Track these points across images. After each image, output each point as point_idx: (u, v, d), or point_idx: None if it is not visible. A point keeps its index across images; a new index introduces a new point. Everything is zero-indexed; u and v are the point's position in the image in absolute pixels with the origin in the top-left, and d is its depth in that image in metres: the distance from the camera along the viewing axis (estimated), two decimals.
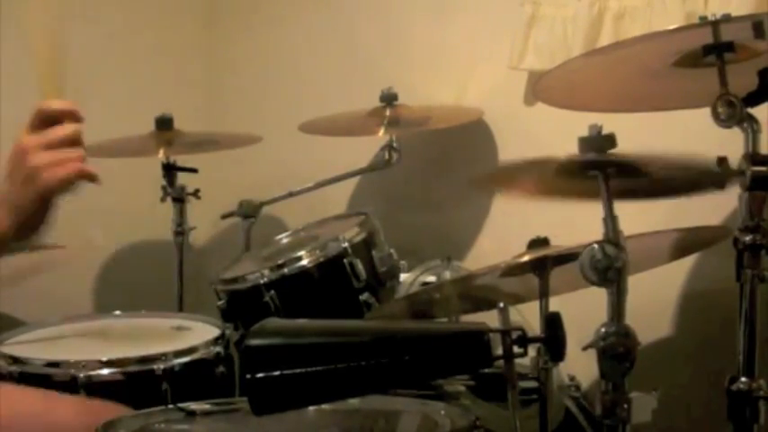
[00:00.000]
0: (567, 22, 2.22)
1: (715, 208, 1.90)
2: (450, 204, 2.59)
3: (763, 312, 1.46)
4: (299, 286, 2.11)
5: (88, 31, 2.96)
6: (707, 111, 1.43)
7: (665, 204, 2.04)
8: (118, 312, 2.32)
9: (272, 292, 2.09)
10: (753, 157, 1.42)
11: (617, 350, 1.29)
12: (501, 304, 1.19)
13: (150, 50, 3.11)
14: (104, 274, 3.08)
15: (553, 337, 1.19)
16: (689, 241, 1.77)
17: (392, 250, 2.17)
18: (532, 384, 1.59)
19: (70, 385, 1.83)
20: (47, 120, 1.41)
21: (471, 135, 2.50)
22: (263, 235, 2.48)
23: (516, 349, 1.17)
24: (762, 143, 1.45)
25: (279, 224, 2.77)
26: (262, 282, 2.10)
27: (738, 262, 1.45)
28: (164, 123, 2.61)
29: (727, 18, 1.42)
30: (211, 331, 2.09)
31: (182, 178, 2.65)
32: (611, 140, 1.39)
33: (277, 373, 1.14)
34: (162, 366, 1.89)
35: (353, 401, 1.40)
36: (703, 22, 1.45)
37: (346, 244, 2.09)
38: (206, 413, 1.45)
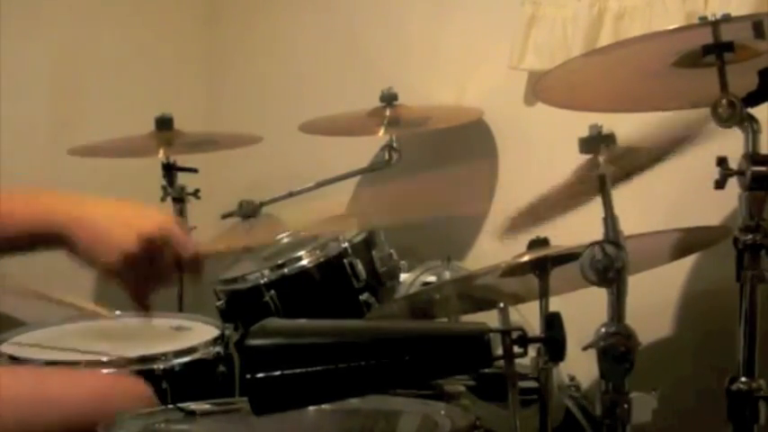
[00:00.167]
0: (567, 23, 2.22)
1: (715, 208, 1.90)
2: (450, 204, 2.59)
3: (763, 312, 1.46)
4: (299, 286, 2.11)
5: (88, 31, 2.97)
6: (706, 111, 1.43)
7: (665, 204, 2.04)
8: (118, 312, 2.31)
9: (272, 292, 2.09)
10: (753, 157, 1.43)
11: (617, 350, 1.28)
12: (501, 304, 1.18)
13: (150, 50, 3.11)
14: None
15: (553, 337, 1.19)
16: (689, 241, 1.77)
17: (392, 250, 2.18)
18: (532, 384, 1.59)
19: None
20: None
21: (471, 135, 2.50)
22: None
23: (516, 349, 1.17)
24: (762, 143, 1.45)
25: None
26: (262, 282, 2.10)
27: (738, 262, 1.45)
28: (164, 123, 2.61)
29: (726, 18, 1.42)
30: (211, 331, 2.09)
31: (182, 178, 2.64)
32: (611, 140, 1.39)
33: (277, 373, 1.13)
34: (162, 366, 1.89)
35: (354, 401, 1.40)
36: (703, 22, 1.45)
37: (346, 244, 2.10)
38: (206, 413, 1.44)
